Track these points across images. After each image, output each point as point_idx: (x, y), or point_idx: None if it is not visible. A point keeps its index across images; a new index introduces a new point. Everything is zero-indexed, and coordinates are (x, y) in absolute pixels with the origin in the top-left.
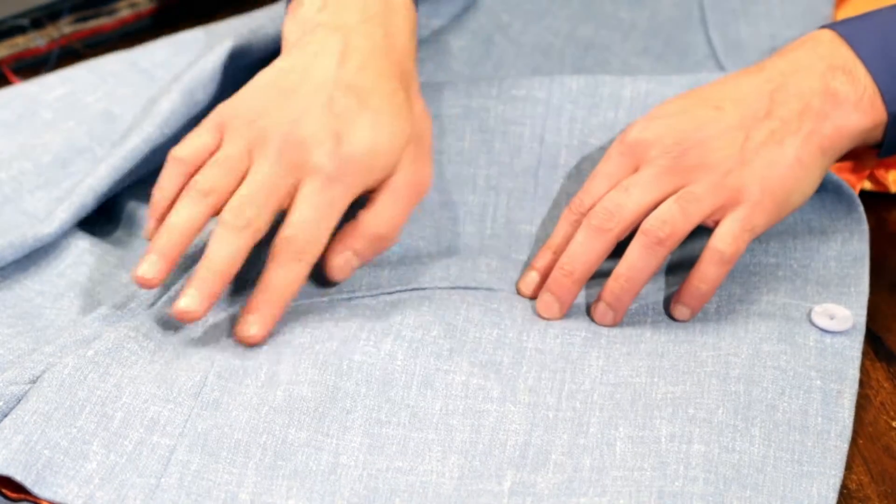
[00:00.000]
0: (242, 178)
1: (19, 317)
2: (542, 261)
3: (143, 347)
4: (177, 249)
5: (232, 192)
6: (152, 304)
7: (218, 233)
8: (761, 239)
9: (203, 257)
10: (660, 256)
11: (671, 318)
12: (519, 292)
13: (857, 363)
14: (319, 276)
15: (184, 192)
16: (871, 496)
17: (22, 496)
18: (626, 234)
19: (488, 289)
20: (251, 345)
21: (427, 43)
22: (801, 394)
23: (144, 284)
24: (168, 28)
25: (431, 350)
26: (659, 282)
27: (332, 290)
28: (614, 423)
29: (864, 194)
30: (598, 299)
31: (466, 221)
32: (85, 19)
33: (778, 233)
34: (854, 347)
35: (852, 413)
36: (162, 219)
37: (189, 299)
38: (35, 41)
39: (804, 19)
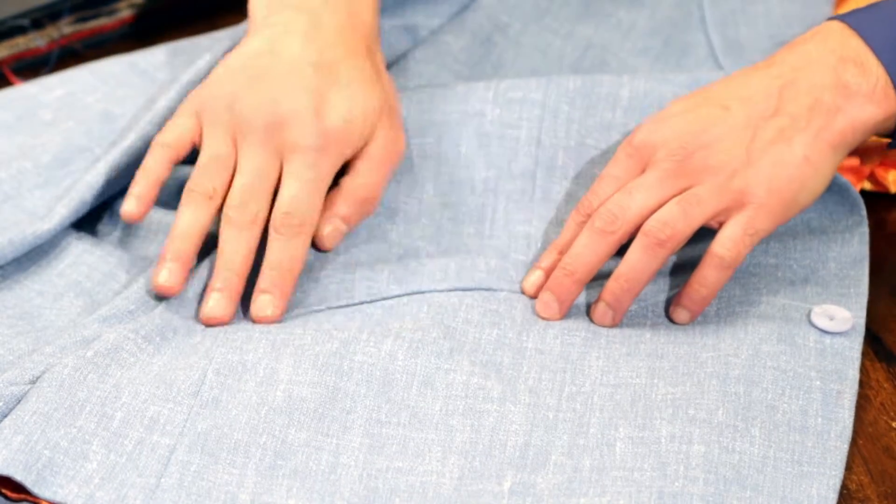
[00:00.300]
0: (234, 169)
1: (19, 317)
2: (548, 260)
3: (142, 349)
4: (191, 253)
5: (228, 186)
6: (153, 307)
7: (228, 233)
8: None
9: (218, 259)
10: (660, 258)
11: (671, 320)
12: (523, 291)
13: (856, 364)
14: (317, 287)
15: (185, 198)
16: (871, 496)
17: (22, 496)
18: (630, 236)
19: (487, 289)
20: (270, 323)
21: (426, 43)
22: (801, 394)
23: (167, 292)
24: (168, 29)
25: (432, 350)
26: (659, 283)
27: (331, 298)
28: (614, 424)
29: (863, 194)
30: (598, 300)
31: (465, 223)
32: (85, 20)
33: (778, 234)
34: (854, 348)
35: (852, 413)
36: (143, 198)
37: (216, 303)
38: (35, 41)
39: (803, 19)
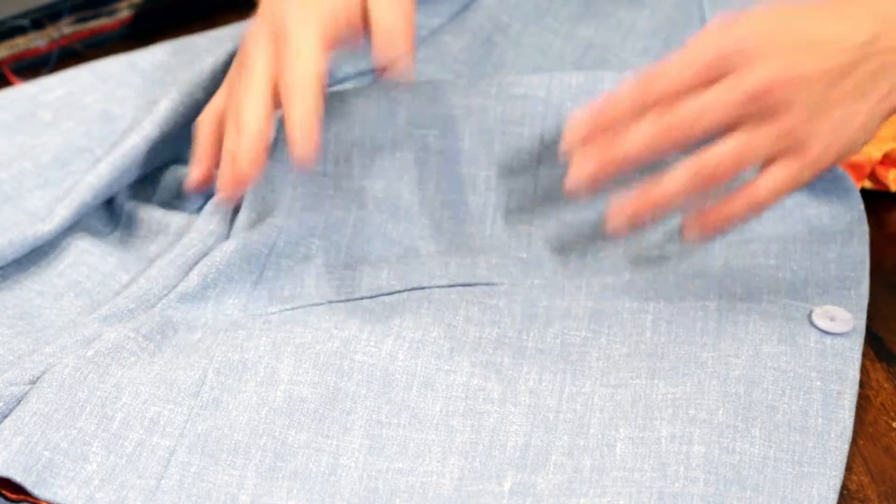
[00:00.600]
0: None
1: (19, 317)
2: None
3: (143, 348)
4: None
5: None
6: (152, 305)
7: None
8: (762, 240)
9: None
10: (700, 188)
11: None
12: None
13: (857, 364)
14: (318, 282)
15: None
16: (871, 497)
17: (22, 497)
18: (687, 148)
19: (488, 283)
20: (313, 156)
21: (426, 43)
22: (802, 395)
23: (241, 179)
24: (167, 28)
25: (432, 350)
26: (659, 282)
27: (331, 293)
28: (614, 425)
29: (863, 193)
30: (612, 207)
31: (466, 221)
32: (85, 20)
33: (778, 234)
34: (854, 349)
35: (852, 414)
36: (209, 159)
37: (301, 143)
38: (35, 42)
39: None
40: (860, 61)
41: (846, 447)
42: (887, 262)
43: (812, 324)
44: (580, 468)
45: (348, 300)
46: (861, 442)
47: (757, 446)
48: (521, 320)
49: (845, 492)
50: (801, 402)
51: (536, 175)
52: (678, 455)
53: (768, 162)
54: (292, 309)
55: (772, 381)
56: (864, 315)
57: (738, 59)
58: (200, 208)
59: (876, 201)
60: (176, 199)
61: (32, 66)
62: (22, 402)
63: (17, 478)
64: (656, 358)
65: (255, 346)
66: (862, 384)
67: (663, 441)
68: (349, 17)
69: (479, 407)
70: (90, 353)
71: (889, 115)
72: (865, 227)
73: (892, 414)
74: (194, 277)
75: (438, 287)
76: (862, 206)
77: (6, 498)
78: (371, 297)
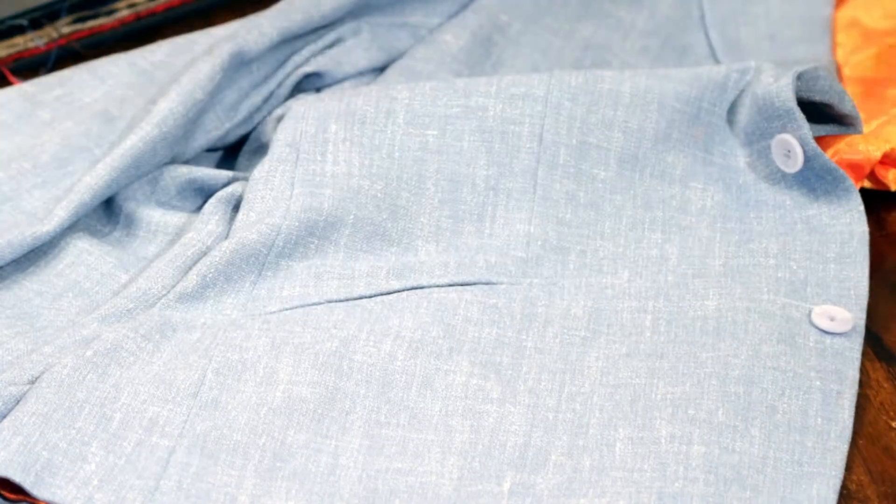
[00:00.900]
0: None
1: (18, 317)
2: None
3: (142, 348)
4: None
5: None
6: (151, 305)
7: None
8: (761, 240)
9: None
10: None
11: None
12: None
13: (856, 364)
14: (317, 281)
15: None
16: (871, 497)
17: (20, 497)
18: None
19: (487, 283)
20: None
21: (426, 43)
22: (801, 394)
23: None
24: (167, 29)
25: (431, 350)
26: (658, 282)
27: (330, 292)
28: (614, 425)
29: (863, 193)
30: None
31: (465, 221)
32: (84, 20)
33: (778, 233)
34: (854, 349)
35: (852, 414)
36: None
37: None
38: (34, 41)
39: (803, 20)
40: None
41: (846, 447)
42: (887, 262)
43: (812, 323)
44: (580, 468)
45: (347, 300)
46: (861, 442)
47: (756, 446)
48: (520, 320)
49: (845, 492)
50: (800, 402)
51: (536, 174)
52: (678, 455)
53: None
54: (291, 309)
55: (771, 380)
56: (863, 315)
57: None
58: (199, 208)
59: (876, 201)
60: (175, 199)
61: (31, 66)
62: (21, 402)
63: (16, 478)
64: (656, 358)
65: (254, 346)
66: (861, 384)
67: (663, 441)
68: None
69: (479, 407)
70: (89, 353)
71: None
72: (865, 227)
73: (892, 414)
74: (193, 277)
75: (437, 286)
76: (862, 206)
77: (5, 498)
78: (370, 297)
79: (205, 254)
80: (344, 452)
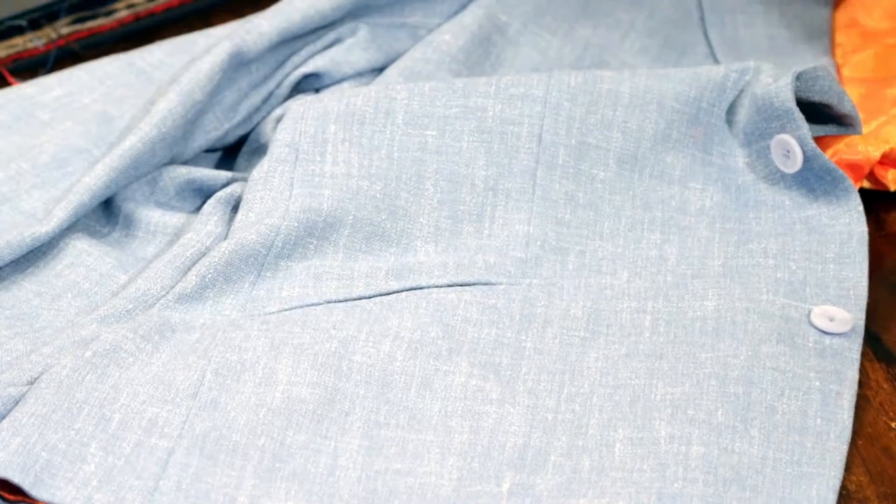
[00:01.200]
0: None
1: (17, 318)
2: None
3: (141, 348)
4: None
5: None
6: (150, 306)
7: None
8: (760, 240)
9: None
10: None
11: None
12: None
13: (856, 365)
14: (316, 282)
15: None
16: (871, 497)
17: (20, 498)
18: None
19: (486, 283)
20: None
21: (425, 43)
22: (801, 395)
23: None
24: (166, 29)
25: (430, 351)
26: (657, 283)
27: (329, 293)
28: (613, 425)
29: (862, 193)
30: None
31: (464, 222)
32: (83, 20)
33: (777, 234)
34: (853, 349)
35: (851, 414)
36: None
37: None
38: (33, 42)
39: (802, 19)
40: None
41: (845, 447)
42: (886, 262)
43: (811, 324)
44: (579, 469)
45: (346, 300)
46: (860, 442)
47: (756, 447)
48: (519, 320)
49: (844, 492)
50: (799, 403)
51: (535, 175)
52: (677, 455)
53: None
54: (290, 309)
55: (770, 381)
56: (863, 315)
57: None
58: (198, 209)
59: (875, 201)
60: (174, 200)
61: (30, 67)
62: (20, 403)
63: (15, 479)
64: (655, 358)
65: (253, 347)
66: (861, 384)
67: (662, 441)
68: None
69: (478, 408)
70: (88, 353)
71: None
72: (864, 228)
73: (891, 414)
74: (192, 278)
75: (436, 287)
76: (861, 206)
77: (4, 499)
78: (369, 298)
79: (204, 254)
80: (343, 453)
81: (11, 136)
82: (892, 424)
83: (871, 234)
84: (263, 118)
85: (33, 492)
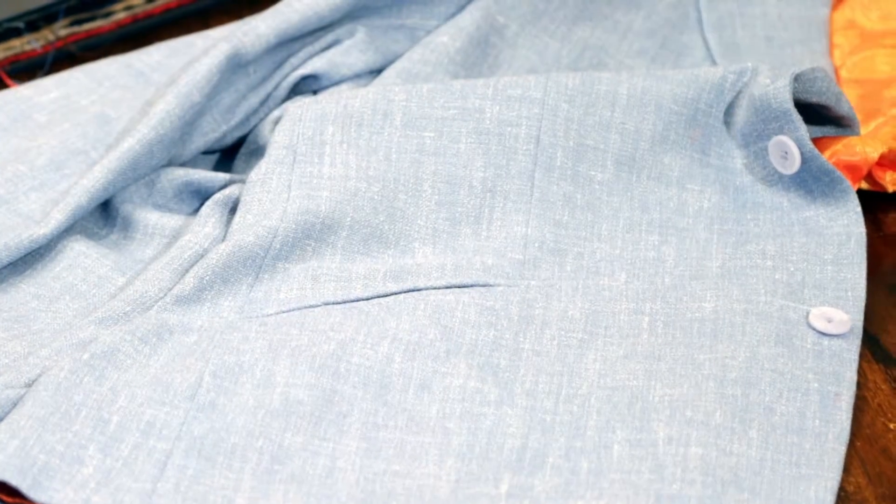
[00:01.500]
0: None
1: (14, 320)
2: None
3: (139, 350)
4: None
5: None
6: (148, 308)
7: None
8: (759, 241)
9: None
10: None
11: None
12: None
13: (854, 366)
14: (314, 284)
15: None
16: (869, 498)
17: (18, 501)
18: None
19: (484, 285)
20: None
21: (422, 45)
22: (799, 396)
23: None
24: (164, 31)
25: (428, 352)
26: (655, 284)
27: (328, 294)
28: (611, 427)
29: (860, 194)
30: None
31: (462, 223)
32: (80, 22)
33: (775, 235)
34: (851, 350)
35: (850, 415)
36: None
37: None
38: (30, 44)
39: (800, 21)
40: None
41: (843, 449)
42: (885, 264)
43: (809, 325)
44: (577, 470)
45: (344, 302)
46: (858, 444)
47: (754, 448)
48: (517, 322)
49: (843, 493)
50: (798, 404)
51: (533, 176)
52: (675, 457)
53: None
54: (288, 311)
55: (769, 382)
56: (861, 316)
57: None
58: (196, 211)
59: (873, 202)
60: (172, 202)
61: (28, 69)
62: (17, 406)
63: (13, 481)
64: (653, 360)
65: (251, 349)
66: (859, 386)
67: (660, 443)
68: None
69: (476, 409)
70: (86, 356)
71: None
72: (862, 229)
73: (890, 415)
74: (190, 280)
75: (434, 289)
76: (859, 208)
77: (2, 501)
78: (367, 299)
79: (202, 256)
80: (341, 455)
81: (9, 138)
82: (891, 426)
83: (869, 235)
84: (261, 120)
85: (31, 494)
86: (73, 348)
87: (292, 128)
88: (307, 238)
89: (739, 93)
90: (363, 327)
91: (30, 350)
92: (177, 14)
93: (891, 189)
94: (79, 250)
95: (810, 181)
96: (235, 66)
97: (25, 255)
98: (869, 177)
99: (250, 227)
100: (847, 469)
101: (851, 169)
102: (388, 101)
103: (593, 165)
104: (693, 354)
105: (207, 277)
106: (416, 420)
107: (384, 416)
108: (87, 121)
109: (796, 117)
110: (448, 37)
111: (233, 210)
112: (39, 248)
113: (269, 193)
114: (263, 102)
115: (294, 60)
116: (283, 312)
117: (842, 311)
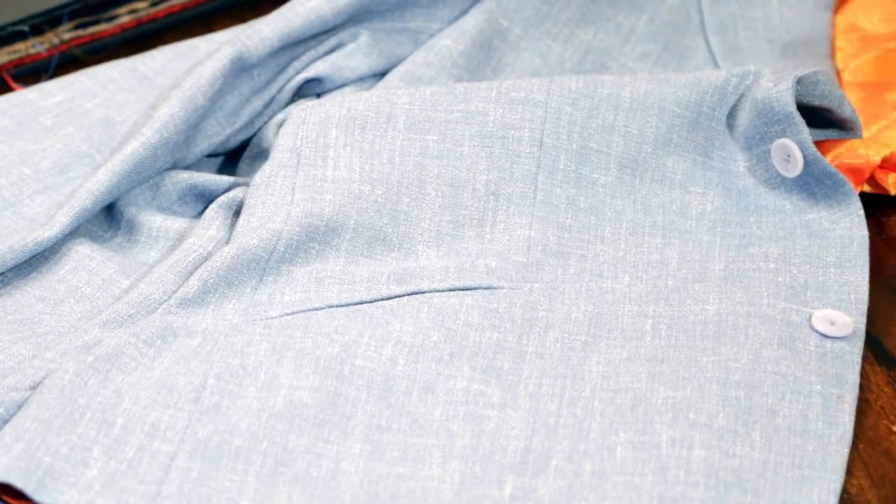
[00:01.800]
0: None
1: (19, 323)
2: None
3: (143, 352)
4: None
5: None
6: (152, 311)
7: None
8: (761, 244)
9: None
10: None
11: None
12: None
13: (857, 368)
14: (318, 286)
15: None
16: (872, 501)
17: (22, 503)
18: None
19: (487, 287)
20: None
21: (426, 48)
22: (802, 398)
23: None
24: (168, 35)
25: (432, 355)
26: (658, 287)
27: (331, 297)
28: (615, 429)
29: (862, 197)
30: None
31: (465, 226)
32: (85, 25)
33: (778, 238)
34: (854, 353)
35: (853, 418)
36: None
37: None
38: (35, 47)
39: (802, 24)
40: None
41: (846, 451)
42: (887, 266)
43: (812, 328)
44: (580, 473)
45: (348, 305)
46: (861, 446)
47: (757, 450)
48: (520, 324)
49: (845, 496)
50: (801, 406)
51: (536, 179)
52: (678, 459)
53: None
54: (292, 314)
55: (772, 385)
56: (863, 319)
57: None
58: (200, 214)
59: (875, 205)
60: (176, 205)
61: (32, 72)
62: (22, 408)
63: (18, 483)
64: (656, 362)
65: (255, 351)
66: (862, 388)
67: (663, 445)
68: None
69: (480, 412)
70: (90, 358)
71: None
72: (865, 231)
73: (892, 418)
74: (194, 282)
75: (438, 291)
76: (861, 210)
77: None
78: (371, 302)
79: (206, 259)
80: (345, 457)
81: (14, 141)
82: (894, 428)
83: (871, 237)
84: (265, 123)
85: (36, 496)
86: (78, 351)
87: (296, 131)
88: (311, 241)
89: (742, 96)
90: (367, 330)
91: (34, 353)
92: (180, 18)
93: (893, 192)
94: (83, 253)
95: (813, 184)
96: (239, 69)
97: (30, 258)
98: (871, 180)
99: (254, 230)
100: (850, 471)
101: (854, 172)
102: (391, 104)
103: (596, 168)
104: (696, 357)
105: (211, 280)
106: (419, 422)
107: (388, 418)
108: (91, 124)
109: (799, 120)
110: (451, 40)
111: (237, 213)
112: (44, 250)
113: (272, 196)
114: (267, 106)
115: (297, 64)
116: (287, 315)
117: (844, 314)
